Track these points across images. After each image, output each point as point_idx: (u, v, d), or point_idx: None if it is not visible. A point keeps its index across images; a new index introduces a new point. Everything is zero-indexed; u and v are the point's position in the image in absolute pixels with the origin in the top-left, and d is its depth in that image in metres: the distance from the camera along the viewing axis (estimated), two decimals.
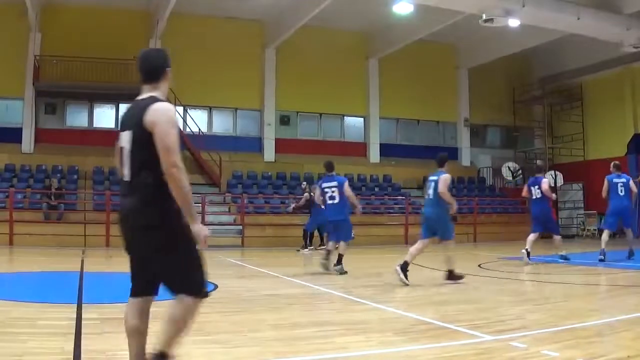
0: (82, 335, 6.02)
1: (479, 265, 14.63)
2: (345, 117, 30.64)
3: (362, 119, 30.61)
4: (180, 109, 26.69)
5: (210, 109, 28.52)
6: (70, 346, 5.56)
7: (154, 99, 4.11)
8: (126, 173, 4.13)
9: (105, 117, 27.24)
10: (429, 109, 31.56)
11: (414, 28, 26.63)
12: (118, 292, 10.10)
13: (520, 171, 32.35)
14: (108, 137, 26.00)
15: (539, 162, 22.93)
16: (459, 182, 30.59)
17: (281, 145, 28.92)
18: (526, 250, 14.28)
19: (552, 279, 11.94)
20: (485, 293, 10.02)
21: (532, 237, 14.66)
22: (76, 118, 27.13)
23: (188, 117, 27.25)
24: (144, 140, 3.99)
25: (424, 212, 11.68)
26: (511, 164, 32.44)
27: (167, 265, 4.12)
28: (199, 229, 4.06)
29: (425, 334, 6.47)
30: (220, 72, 27.33)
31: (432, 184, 11.12)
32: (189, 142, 26.08)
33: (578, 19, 22.31)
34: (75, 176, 24.44)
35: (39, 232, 20.38)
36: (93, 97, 26.36)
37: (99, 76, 24.35)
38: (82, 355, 5.25)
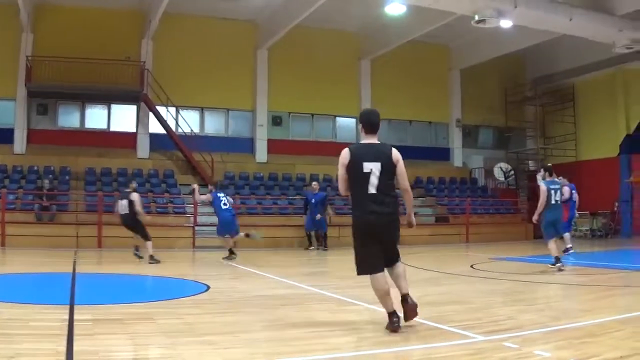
0: (75, 337, 6.01)
1: (472, 266, 14.67)
2: (337, 117, 30.62)
3: (355, 119, 30.62)
4: (173, 110, 26.64)
5: (202, 110, 28.46)
6: (63, 347, 5.55)
7: (386, 145, 6.75)
8: (372, 189, 6.44)
9: (97, 117, 27.14)
10: (421, 110, 31.58)
11: (407, 29, 26.61)
12: (110, 293, 10.21)
13: (512, 172, 32.41)
14: (100, 137, 26.29)
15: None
16: (451, 183, 30.66)
17: (273, 146, 28.87)
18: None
19: (544, 279, 11.95)
20: (477, 293, 10.04)
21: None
22: (68, 119, 27.01)
23: (180, 118, 27.15)
24: (390, 170, 6.54)
25: (554, 215, 13.25)
26: (503, 165, 32.50)
27: (396, 243, 6.74)
28: (414, 219, 7.06)
29: (418, 334, 6.48)
30: (212, 73, 27.27)
31: (558, 191, 13.33)
32: (181, 143, 26.06)
33: (570, 20, 22.31)
34: (67, 177, 24.35)
35: (30, 234, 20.29)
36: (85, 97, 26.24)
37: (91, 77, 24.22)
38: (74, 357, 5.23)
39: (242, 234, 17.21)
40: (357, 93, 30.22)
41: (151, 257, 15.17)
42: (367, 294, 7.27)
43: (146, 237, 15.63)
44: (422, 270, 13.22)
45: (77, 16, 25.50)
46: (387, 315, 6.54)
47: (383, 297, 6.51)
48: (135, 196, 15.65)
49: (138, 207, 15.56)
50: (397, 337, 6.31)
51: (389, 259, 6.67)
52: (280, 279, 12.05)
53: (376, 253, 6.52)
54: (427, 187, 29.50)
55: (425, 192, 29.04)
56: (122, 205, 15.67)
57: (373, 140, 6.67)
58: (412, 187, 27.94)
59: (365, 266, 6.57)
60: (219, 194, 16.87)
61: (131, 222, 15.68)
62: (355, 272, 6.70)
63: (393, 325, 6.43)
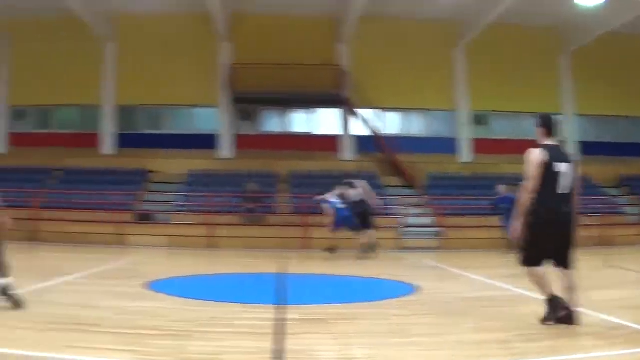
0: (282, 335, 6.01)
1: None
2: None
3: (559, 116, 28.94)
4: (375, 112, 26.56)
5: (401, 111, 28.13)
6: (266, 345, 5.53)
7: (565, 147, 7.12)
8: (561, 189, 6.59)
9: (299, 121, 27.73)
10: (628, 103, 29.13)
11: (606, 19, 24.70)
12: (316, 293, 10.12)
13: None
14: (302, 141, 26.79)
15: None
16: None
17: (476, 146, 28.02)
18: None
19: None
20: None
21: None
22: (271, 123, 27.85)
23: (380, 120, 27.00)
24: (574, 171, 6.69)
25: None
26: None
27: (572, 243, 6.68)
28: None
29: (626, 339, 5.90)
30: (409, 74, 26.89)
31: None
32: (384, 145, 25.90)
33: None
34: (272, 180, 24.99)
35: (238, 235, 20.98)
36: (286, 102, 26.88)
37: (291, 82, 24.76)
38: (283, 355, 5.24)
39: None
40: (557, 88, 28.53)
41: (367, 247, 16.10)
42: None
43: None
44: (629, 272, 12.10)
45: (272, 23, 26.26)
46: (547, 303, 6.60)
47: (540, 280, 6.67)
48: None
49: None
50: (603, 341, 5.77)
51: (562, 260, 6.68)
52: (486, 280, 11.46)
53: (548, 250, 6.66)
54: (633, 185, 27.14)
55: (631, 191, 26.80)
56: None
57: (554, 142, 6.87)
58: (619, 186, 26.50)
59: (533, 260, 6.68)
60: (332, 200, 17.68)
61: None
62: (521, 263, 6.80)
63: (559, 314, 6.45)
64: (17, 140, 27.23)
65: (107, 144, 26.73)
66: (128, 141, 26.65)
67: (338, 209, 17.54)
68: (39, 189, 23.46)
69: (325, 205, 17.93)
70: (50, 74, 26.42)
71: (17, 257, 15.33)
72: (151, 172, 25.43)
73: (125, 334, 5.94)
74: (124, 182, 24.18)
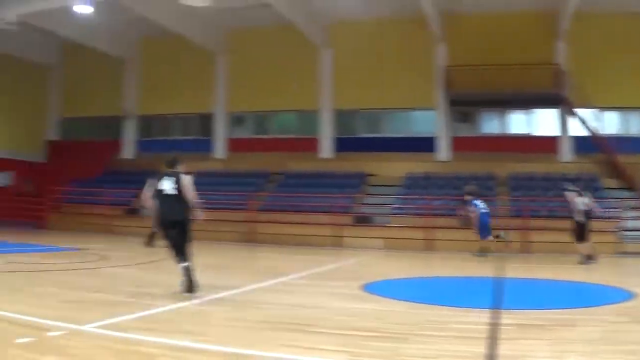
0: (496, 340, 5.93)
1: None
2: None
3: None
4: (592, 111, 25.14)
5: (621, 110, 26.17)
6: (480, 350, 5.50)
7: None
8: None
9: (517, 123, 26.92)
10: None
11: None
12: (533, 298, 9.77)
13: None
14: (521, 143, 25.97)
15: None
16: None
17: None
18: None
19: None
20: None
21: None
22: (489, 125, 27.27)
23: (601, 120, 25.46)
24: None
25: None
26: None
27: None
28: None
29: None
30: (629, 71, 25.00)
31: None
32: (605, 145, 24.44)
33: None
34: (492, 182, 24.46)
35: (455, 238, 20.74)
36: (504, 103, 26.17)
37: (509, 82, 24.03)
38: None
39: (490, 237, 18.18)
40: None
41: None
42: None
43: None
44: None
45: (487, 22, 25.67)
46: None
47: None
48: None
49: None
50: None
51: None
52: None
53: None
54: None
55: None
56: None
57: None
58: None
59: None
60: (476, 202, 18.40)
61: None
62: None
63: None
64: (236, 145, 29.07)
65: (326, 148, 27.58)
66: (346, 145, 27.33)
67: (482, 214, 18.08)
68: (256, 192, 24.80)
69: (472, 208, 18.29)
70: (267, 81, 27.96)
71: (235, 257, 16.30)
72: (369, 175, 25.83)
73: (340, 334, 6.11)
74: (342, 185, 24.88)
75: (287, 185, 25.63)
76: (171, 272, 10.94)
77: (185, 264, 8.36)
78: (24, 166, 29.80)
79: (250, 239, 22.62)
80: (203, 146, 29.28)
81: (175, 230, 8.64)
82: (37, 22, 25.29)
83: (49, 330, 5.66)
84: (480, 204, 18.22)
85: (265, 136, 28.89)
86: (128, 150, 31.24)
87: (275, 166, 27.12)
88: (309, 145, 27.75)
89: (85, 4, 21.92)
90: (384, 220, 22.65)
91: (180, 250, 8.51)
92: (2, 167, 29.36)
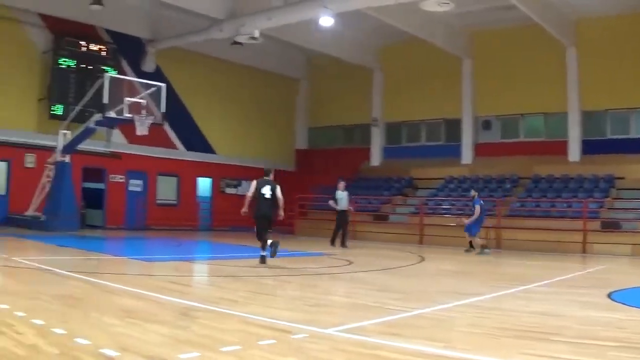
0: None
1: None
2: None
3: None
4: None
5: None
6: None
7: None
8: None
9: None
10: None
11: None
12: None
13: None
14: None
15: None
16: None
17: None
18: None
19: None
20: None
21: None
22: None
23: None
24: None
25: None
26: None
27: None
28: None
29: None
30: None
31: None
32: None
33: None
34: None
35: None
36: None
37: None
38: None
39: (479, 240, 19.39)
40: None
41: None
42: None
43: None
44: None
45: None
46: None
47: None
48: None
49: None
50: None
51: None
52: None
53: None
54: None
55: None
56: None
57: None
58: None
59: None
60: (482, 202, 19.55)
61: None
62: None
63: None
64: (483, 150, 28.98)
65: (573, 151, 26.68)
66: (594, 147, 26.21)
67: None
68: (503, 197, 24.69)
69: (477, 206, 19.08)
70: (512, 83, 27.55)
71: (478, 264, 16.29)
72: (618, 178, 24.65)
73: (581, 343, 5.95)
74: (590, 189, 23.95)
75: (535, 190, 25.22)
76: (414, 276, 11.42)
77: (270, 240, 12.30)
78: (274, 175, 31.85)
79: (498, 245, 22.56)
80: (449, 151, 29.59)
81: (267, 221, 12.81)
82: (283, 36, 27.21)
83: (292, 332, 6.01)
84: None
85: (512, 140, 28.51)
86: (375, 157, 32.35)
87: (521, 170, 26.79)
88: (556, 148, 26.91)
89: (328, 15, 22.80)
90: (632, 225, 21.54)
91: (265, 234, 12.59)
92: (255, 176, 31.55)
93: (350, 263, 14.69)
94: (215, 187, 32.03)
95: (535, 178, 26.17)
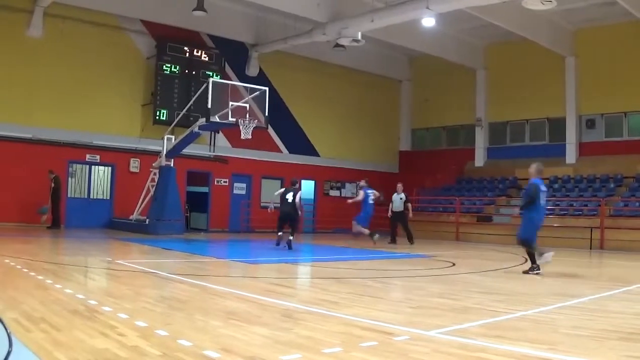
0: None
1: None
2: None
3: None
4: None
5: None
6: None
7: None
8: None
9: None
10: None
11: None
12: None
13: None
14: None
15: None
16: None
17: None
18: None
19: None
20: None
21: None
22: None
23: None
24: None
25: None
26: None
27: None
28: None
29: None
30: None
31: None
32: None
33: None
34: None
35: None
36: None
37: None
38: None
39: (367, 231, 20.80)
40: None
41: None
42: None
43: None
44: None
45: None
46: None
47: None
48: None
49: None
50: None
51: None
52: None
53: None
54: None
55: None
56: None
57: None
58: None
59: None
60: (368, 190, 21.15)
61: None
62: None
63: None
64: (587, 149, 28.08)
65: None
66: None
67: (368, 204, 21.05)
68: (607, 197, 23.99)
69: (361, 191, 21.22)
70: (616, 81, 26.68)
71: (582, 265, 15.82)
72: None
73: None
74: None
75: (637, 189, 24.36)
76: (516, 278, 11.19)
77: (290, 237, 16.90)
78: (375, 176, 31.58)
79: (598, 245, 21.98)
80: (553, 151, 28.82)
81: (288, 222, 17.19)
82: (384, 38, 27.05)
83: (395, 334, 6.02)
84: (370, 192, 21.19)
85: (616, 139, 27.52)
86: (479, 158, 31.83)
87: (625, 170, 25.94)
88: None
89: (430, 16, 22.64)
90: None
91: (293, 231, 17.19)
92: (358, 178, 31.58)
93: (453, 265, 14.60)
94: (319, 189, 32.22)
95: (639, 177, 25.24)
